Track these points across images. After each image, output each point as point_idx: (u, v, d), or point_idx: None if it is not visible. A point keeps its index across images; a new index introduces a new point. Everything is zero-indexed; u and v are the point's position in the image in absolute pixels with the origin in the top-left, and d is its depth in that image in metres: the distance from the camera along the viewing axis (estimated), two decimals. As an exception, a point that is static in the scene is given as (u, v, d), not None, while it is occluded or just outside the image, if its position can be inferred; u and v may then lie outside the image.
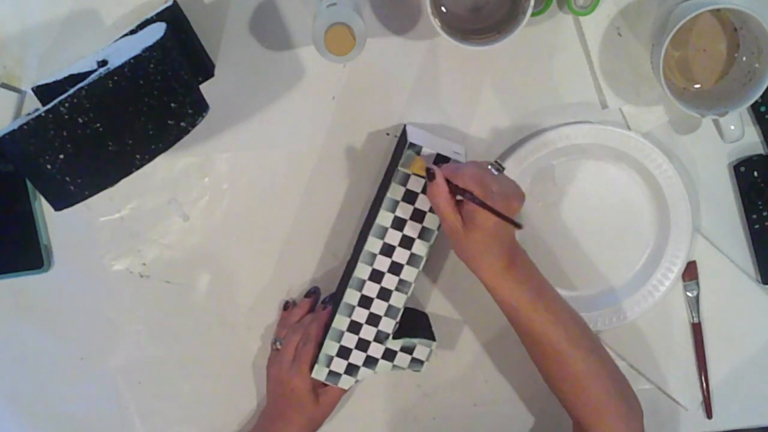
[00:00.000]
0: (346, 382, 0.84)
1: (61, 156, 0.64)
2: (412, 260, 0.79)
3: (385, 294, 0.80)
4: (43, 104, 0.75)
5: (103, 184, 0.66)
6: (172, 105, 0.67)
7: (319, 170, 0.85)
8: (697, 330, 0.90)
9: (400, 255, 0.79)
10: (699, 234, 0.88)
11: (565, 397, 0.79)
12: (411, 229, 0.78)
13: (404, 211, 0.78)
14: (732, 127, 0.80)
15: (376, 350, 0.82)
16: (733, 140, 0.81)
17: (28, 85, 0.80)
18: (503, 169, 0.73)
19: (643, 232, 0.88)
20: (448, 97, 0.84)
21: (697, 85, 0.82)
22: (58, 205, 0.67)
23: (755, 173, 0.86)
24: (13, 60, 0.80)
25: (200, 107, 0.70)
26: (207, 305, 0.88)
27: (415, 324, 0.85)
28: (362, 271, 0.79)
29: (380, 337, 0.82)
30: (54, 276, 0.86)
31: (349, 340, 0.82)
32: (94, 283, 0.87)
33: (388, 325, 0.81)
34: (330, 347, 0.82)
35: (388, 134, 0.84)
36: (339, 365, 0.83)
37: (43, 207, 0.84)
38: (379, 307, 0.81)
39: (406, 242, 0.79)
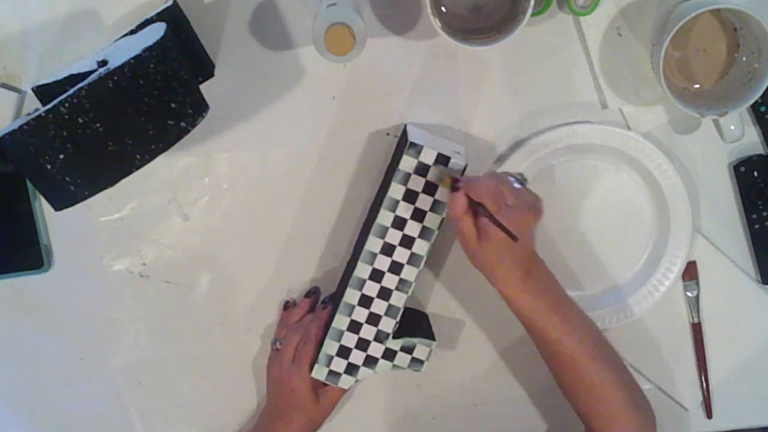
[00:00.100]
0: (346, 381, 0.84)
1: (61, 156, 0.64)
2: (413, 260, 0.79)
3: (385, 293, 0.80)
4: (43, 104, 0.75)
5: (103, 184, 0.66)
6: (172, 105, 0.67)
7: (319, 170, 0.85)
8: (697, 330, 0.90)
9: (401, 254, 0.79)
10: (699, 234, 0.88)
11: (579, 406, 0.79)
12: (411, 229, 0.78)
13: (405, 210, 0.78)
14: (732, 127, 0.80)
15: (376, 350, 0.82)
16: (733, 140, 0.81)
17: (28, 85, 0.80)
18: (525, 181, 0.73)
19: (643, 232, 0.88)
20: (448, 97, 0.84)
21: (697, 85, 0.82)
22: (58, 205, 0.67)
23: (755, 173, 0.86)
24: (13, 60, 0.80)
25: (200, 107, 0.70)
26: (207, 305, 0.88)
27: (415, 324, 0.86)
28: (362, 270, 0.79)
29: (380, 337, 0.82)
30: (54, 276, 0.86)
31: (349, 340, 0.82)
32: (94, 283, 0.87)
33: (388, 324, 0.81)
34: (330, 347, 0.82)
35: (388, 134, 0.84)
36: (339, 365, 0.83)
37: (43, 207, 0.84)
38: (379, 306, 0.81)
39: (407, 242, 0.79)
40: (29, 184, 0.83)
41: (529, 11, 0.72)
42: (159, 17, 0.76)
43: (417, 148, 0.76)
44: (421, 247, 0.79)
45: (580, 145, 0.84)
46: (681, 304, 0.90)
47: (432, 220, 0.78)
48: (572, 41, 0.83)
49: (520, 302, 0.75)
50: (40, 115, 0.63)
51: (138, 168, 0.67)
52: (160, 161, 0.70)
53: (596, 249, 0.88)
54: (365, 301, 0.80)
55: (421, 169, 0.76)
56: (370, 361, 0.83)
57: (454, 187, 0.72)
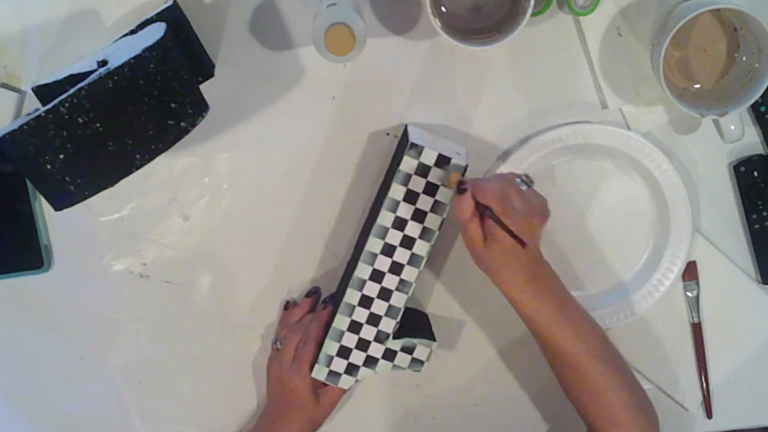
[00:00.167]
0: (346, 381, 0.83)
1: (61, 156, 0.64)
2: (413, 260, 0.79)
3: (385, 294, 0.80)
4: (43, 104, 0.75)
5: (103, 184, 0.66)
6: (172, 105, 0.67)
7: (319, 170, 0.85)
8: (697, 330, 0.90)
9: (401, 255, 0.79)
10: (699, 234, 0.88)
11: (583, 408, 0.79)
12: (412, 230, 0.78)
13: (405, 211, 0.78)
14: (732, 127, 0.80)
15: (376, 350, 0.82)
16: (733, 140, 0.81)
17: (28, 85, 0.80)
18: (532, 183, 0.73)
19: (643, 232, 0.88)
20: (448, 97, 0.84)
21: (697, 85, 0.82)
22: (58, 205, 0.67)
23: (755, 173, 0.86)
24: (13, 60, 0.80)
25: (200, 107, 0.70)
26: (207, 305, 0.88)
27: (415, 324, 0.85)
28: (363, 270, 0.79)
29: (380, 337, 0.82)
30: (54, 276, 0.86)
31: (350, 340, 0.82)
32: (94, 283, 0.87)
33: (388, 325, 0.81)
34: (330, 347, 0.82)
35: (388, 134, 0.84)
36: (339, 365, 0.83)
37: (43, 207, 0.84)
38: (379, 307, 0.81)
39: (407, 242, 0.79)
40: (29, 184, 0.83)
41: (529, 11, 0.72)
42: (159, 17, 0.76)
43: (418, 149, 0.76)
44: (421, 247, 0.79)
45: (580, 145, 0.84)
46: (681, 304, 0.90)
47: (432, 221, 0.78)
48: (572, 41, 0.83)
49: (525, 305, 0.75)
50: (40, 115, 0.63)
51: (138, 168, 0.67)
52: (160, 161, 0.70)
53: (596, 249, 0.88)
54: (365, 302, 0.80)
55: (422, 170, 0.76)
56: (370, 362, 0.83)
57: (460, 189, 0.72)
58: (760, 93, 0.76)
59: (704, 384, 0.91)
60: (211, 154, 0.84)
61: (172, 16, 0.76)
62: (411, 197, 0.77)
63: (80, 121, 0.63)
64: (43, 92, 0.76)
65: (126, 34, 0.77)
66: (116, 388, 0.90)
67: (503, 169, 0.84)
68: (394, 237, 0.78)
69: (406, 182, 0.77)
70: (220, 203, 0.86)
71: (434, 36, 0.82)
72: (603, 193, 0.87)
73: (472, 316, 0.90)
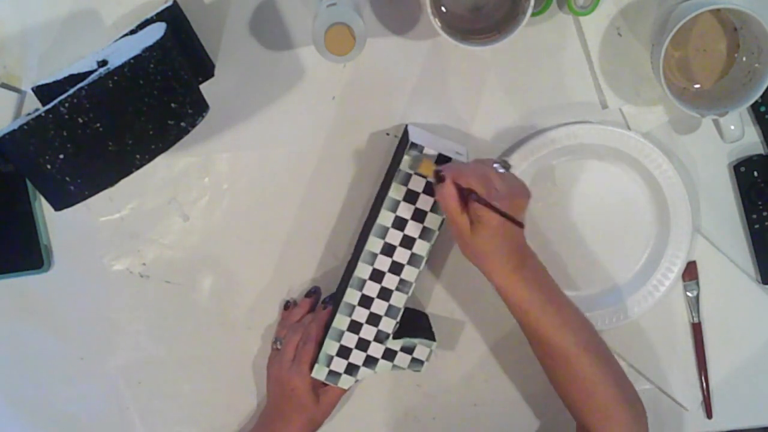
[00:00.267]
0: (346, 381, 0.84)
1: (61, 156, 0.64)
2: (413, 260, 0.79)
3: (385, 294, 0.80)
4: (43, 104, 0.75)
5: (103, 184, 0.66)
6: (172, 105, 0.67)
7: (319, 170, 0.85)
8: (697, 330, 0.90)
9: (401, 255, 0.79)
10: (699, 234, 0.88)
11: (571, 401, 0.79)
12: (412, 229, 0.78)
13: (405, 210, 0.78)
14: (732, 127, 0.80)
15: (376, 350, 0.82)
16: (733, 140, 0.81)
17: (28, 85, 0.80)
18: (509, 166, 0.73)
19: (643, 232, 0.88)
20: (448, 97, 0.84)
21: (697, 85, 0.82)
22: (58, 205, 0.67)
23: (755, 173, 0.86)
24: (13, 60, 0.80)
25: (200, 107, 0.70)
26: (207, 305, 0.88)
27: (415, 324, 0.86)
28: (363, 270, 0.79)
29: (380, 337, 0.82)
30: (54, 276, 0.86)
31: (350, 340, 0.82)
32: (94, 283, 0.87)
33: (388, 324, 0.81)
34: (330, 347, 0.82)
35: (388, 134, 0.84)
36: (339, 365, 0.83)
37: (43, 207, 0.84)
38: (379, 306, 0.81)
39: (407, 242, 0.79)
40: (29, 184, 0.83)
41: (529, 11, 0.72)
42: (159, 17, 0.76)
43: (418, 149, 0.76)
44: (421, 247, 0.79)
45: (580, 145, 0.84)
46: (681, 304, 0.90)
47: (432, 221, 0.78)
48: (572, 41, 0.83)
49: (516, 293, 0.74)
50: (40, 115, 0.63)
51: (138, 168, 0.67)
52: (160, 161, 0.70)
53: (596, 249, 0.88)
54: (365, 302, 0.80)
55: (422, 170, 0.77)
56: (370, 362, 0.83)
57: (438, 177, 0.72)
58: (760, 93, 0.76)
59: (704, 384, 0.91)
60: (211, 154, 0.84)
61: (172, 16, 0.76)
62: (411, 197, 0.77)
63: (80, 121, 0.63)
64: (43, 92, 0.76)
65: (126, 34, 0.77)
66: (116, 388, 0.90)
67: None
68: (394, 237, 0.78)
69: (406, 182, 0.77)
70: (220, 203, 0.86)
71: (434, 36, 0.82)
72: (603, 193, 0.87)
73: (472, 316, 0.90)
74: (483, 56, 0.83)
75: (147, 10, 0.78)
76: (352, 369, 0.83)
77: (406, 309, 0.82)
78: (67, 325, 0.88)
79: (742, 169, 0.86)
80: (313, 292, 0.88)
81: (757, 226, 0.88)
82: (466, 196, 0.70)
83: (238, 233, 0.86)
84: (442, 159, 0.76)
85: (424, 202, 0.77)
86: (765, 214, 0.87)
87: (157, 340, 0.89)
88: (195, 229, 0.86)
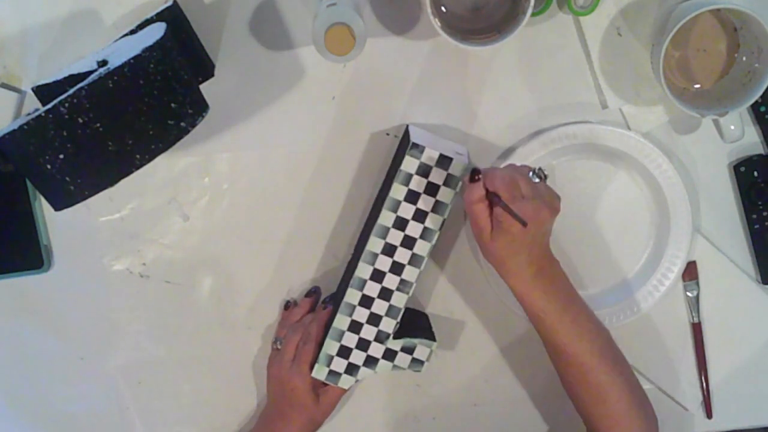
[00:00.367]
0: (346, 381, 0.83)
1: (61, 156, 0.64)
2: (414, 260, 0.79)
3: (386, 294, 0.80)
4: (43, 104, 0.75)
5: (103, 184, 0.66)
6: (172, 105, 0.67)
7: (319, 170, 0.85)
8: (697, 330, 0.90)
9: (402, 255, 0.79)
10: (699, 234, 0.88)
11: (584, 407, 0.79)
12: (413, 230, 0.78)
13: (406, 211, 0.78)
14: (732, 127, 0.80)
15: (376, 350, 0.82)
16: (733, 140, 0.81)
17: (28, 85, 0.80)
18: (545, 177, 0.73)
19: (643, 232, 0.88)
20: (448, 97, 0.84)
21: (697, 85, 0.82)
22: (58, 205, 0.67)
23: (755, 173, 0.86)
24: (13, 60, 0.80)
25: (200, 107, 0.70)
26: (207, 305, 0.88)
27: (415, 324, 0.86)
28: (363, 270, 0.79)
29: (381, 337, 0.82)
30: (54, 276, 0.86)
31: (350, 340, 0.82)
32: (94, 283, 0.87)
33: (388, 325, 0.81)
34: (330, 347, 0.82)
35: (388, 134, 0.84)
36: (339, 365, 0.83)
37: (43, 207, 0.84)
38: (380, 306, 0.81)
39: (408, 242, 0.79)
40: (29, 184, 0.83)
41: (529, 11, 0.72)
42: (159, 17, 0.76)
43: (419, 149, 0.76)
44: (422, 248, 0.79)
45: (580, 145, 0.84)
46: (681, 304, 0.90)
47: (433, 221, 0.78)
48: (572, 41, 0.83)
49: (533, 299, 0.74)
50: (40, 115, 0.63)
51: (138, 168, 0.67)
52: (160, 161, 0.70)
53: (596, 249, 0.88)
54: (366, 302, 0.80)
55: (423, 170, 0.76)
56: (370, 362, 0.83)
57: (473, 178, 0.72)
58: (760, 93, 0.76)
59: (704, 384, 0.91)
60: (211, 154, 0.84)
61: (172, 16, 0.76)
62: (412, 197, 0.77)
63: (80, 121, 0.63)
64: (43, 92, 0.76)
65: (126, 34, 0.77)
66: (116, 388, 0.90)
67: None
68: (395, 237, 0.78)
69: (407, 182, 0.77)
70: (220, 203, 0.86)
71: (434, 36, 0.82)
72: (603, 193, 0.87)
73: (472, 316, 0.90)
74: (483, 56, 0.83)
75: (147, 10, 0.78)
76: (352, 369, 0.83)
77: (407, 309, 0.82)
78: (67, 325, 0.88)
79: (742, 169, 0.86)
80: (313, 292, 0.88)
81: (757, 226, 0.88)
82: (491, 200, 0.70)
83: (238, 233, 0.86)
84: (443, 159, 0.76)
85: (425, 203, 0.77)
86: (765, 214, 0.87)
87: (157, 340, 0.89)
88: (195, 229, 0.86)
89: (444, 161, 0.76)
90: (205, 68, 0.80)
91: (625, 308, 0.88)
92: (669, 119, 0.85)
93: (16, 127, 0.63)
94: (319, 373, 0.83)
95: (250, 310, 0.89)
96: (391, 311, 0.81)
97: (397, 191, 0.77)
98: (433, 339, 0.84)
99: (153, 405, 0.91)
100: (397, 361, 0.83)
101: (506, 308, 0.86)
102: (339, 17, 0.68)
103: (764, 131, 0.86)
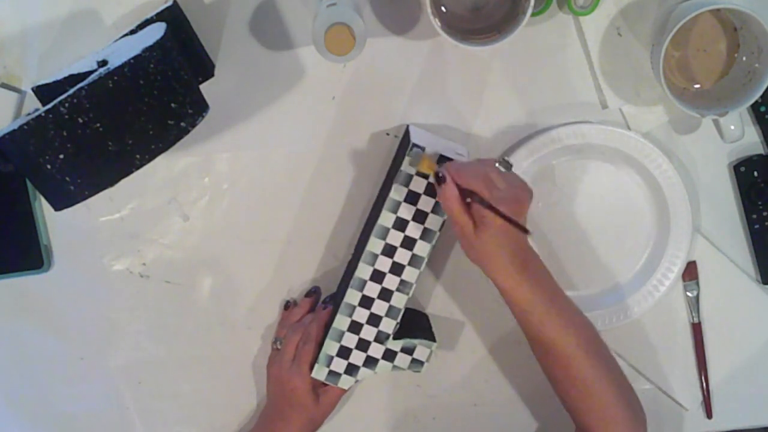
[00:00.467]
0: (346, 382, 0.83)
1: (61, 156, 0.64)
2: (414, 261, 0.79)
3: (386, 294, 0.80)
4: (43, 104, 0.75)
5: (103, 184, 0.66)
6: (172, 105, 0.67)
7: (319, 170, 0.85)
8: (697, 330, 0.90)
9: (402, 256, 0.79)
10: (699, 234, 0.88)
11: (571, 403, 0.79)
12: (413, 230, 0.78)
13: (406, 212, 0.78)
14: (732, 127, 0.80)
15: (376, 350, 0.82)
16: (733, 140, 0.81)
17: (28, 85, 0.80)
18: (511, 166, 0.73)
19: (643, 232, 0.88)
20: (448, 97, 0.84)
21: (697, 85, 0.82)
22: (58, 205, 0.67)
23: (755, 173, 0.86)
24: (13, 60, 0.80)
25: (200, 107, 0.70)
26: (207, 305, 0.88)
27: (415, 325, 0.85)
28: (363, 271, 0.79)
29: (381, 338, 0.82)
30: (54, 276, 0.86)
31: (350, 340, 0.82)
32: (94, 283, 0.87)
33: (388, 325, 0.81)
34: (330, 347, 0.82)
35: (388, 134, 0.84)
36: (339, 365, 0.83)
37: (43, 207, 0.84)
38: (379, 307, 0.81)
39: (408, 243, 0.79)
40: (29, 184, 0.83)
41: (529, 11, 0.72)
42: (159, 17, 0.76)
43: (420, 149, 0.76)
44: (422, 248, 0.79)
45: (580, 145, 0.84)
46: (681, 304, 0.90)
47: (433, 222, 0.78)
48: (572, 41, 0.83)
49: (518, 294, 0.73)
50: (40, 115, 0.63)
51: (138, 168, 0.67)
52: (160, 161, 0.70)
53: (596, 249, 0.88)
54: (366, 302, 0.80)
55: (424, 171, 0.76)
56: (370, 362, 0.83)
57: (438, 179, 0.72)
58: (760, 93, 0.76)
59: (704, 384, 0.91)
60: (211, 154, 0.84)
61: (172, 16, 0.76)
62: (412, 198, 0.77)
63: (80, 121, 0.63)
64: (43, 92, 0.76)
65: (126, 34, 0.77)
66: (116, 388, 0.90)
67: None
68: (395, 238, 0.78)
69: (407, 183, 0.77)
70: (220, 203, 0.86)
71: (434, 36, 0.82)
72: (603, 193, 0.87)
73: (472, 316, 0.90)
74: (483, 56, 0.83)
75: (147, 10, 0.78)
76: (352, 369, 0.83)
77: (407, 309, 0.82)
78: (67, 325, 0.88)
79: (742, 169, 0.86)
80: (313, 292, 0.88)
81: (757, 226, 0.88)
82: (468, 197, 0.70)
83: (238, 233, 0.86)
84: (443, 159, 0.76)
85: (425, 204, 0.77)
86: (765, 214, 0.87)
87: (157, 340, 0.89)
88: (195, 229, 0.86)
89: (444, 161, 0.76)
90: (205, 68, 0.80)
91: (625, 308, 0.88)
92: (669, 119, 0.85)
93: (16, 127, 0.63)
94: (319, 373, 0.83)
95: (250, 310, 0.89)
96: (391, 312, 0.81)
97: (397, 192, 0.77)
98: (433, 339, 0.84)
99: (153, 405, 0.91)
100: (396, 362, 0.83)
101: (506, 308, 0.86)
102: (339, 17, 0.68)
103: (764, 131, 0.86)
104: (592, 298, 0.88)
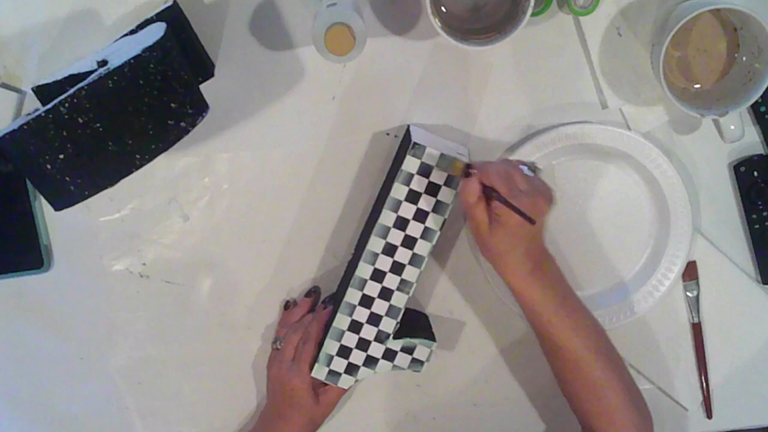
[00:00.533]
0: (346, 381, 0.83)
1: (61, 156, 0.64)
2: (414, 260, 0.79)
3: (386, 294, 0.80)
4: (43, 104, 0.75)
5: (103, 184, 0.66)
6: (172, 105, 0.67)
7: (319, 170, 0.85)
8: (697, 330, 0.90)
9: (402, 255, 0.79)
10: (699, 234, 0.88)
11: (579, 404, 0.79)
12: (413, 230, 0.78)
13: (407, 211, 0.78)
14: (732, 127, 0.80)
15: (376, 350, 0.82)
16: (733, 140, 0.81)
17: (28, 85, 0.80)
18: (537, 170, 0.73)
19: (643, 232, 0.88)
20: (448, 97, 0.84)
21: (697, 85, 0.82)
22: (58, 205, 0.67)
23: (755, 173, 0.86)
24: (13, 60, 0.80)
25: (200, 107, 0.70)
26: (207, 305, 0.88)
27: (415, 324, 0.86)
28: (364, 270, 0.79)
29: (381, 337, 0.82)
30: (54, 276, 0.86)
31: (350, 340, 0.82)
32: (94, 283, 0.87)
33: (388, 325, 0.81)
34: (330, 346, 0.82)
35: (388, 134, 0.84)
36: (339, 365, 0.83)
37: (43, 207, 0.84)
38: (380, 306, 0.81)
39: (409, 242, 0.79)
40: (29, 184, 0.83)
41: (529, 11, 0.72)
42: (159, 17, 0.76)
43: (420, 149, 0.76)
44: (422, 247, 0.79)
45: (580, 145, 0.84)
46: (681, 304, 0.90)
47: (434, 221, 0.78)
48: (572, 41, 0.83)
49: (529, 295, 0.74)
50: (40, 115, 0.63)
51: (138, 168, 0.67)
52: (160, 161, 0.70)
53: (596, 249, 0.88)
54: (366, 302, 0.80)
55: (424, 170, 0.76)
56: (370, 362, 0.83)
57: (467, 173, 0.72)
58: (760, 93, 0.76)
59: (704, 384, 0.91)
60: (211, 154, 0.84)
61: (172, 16, 0.76)
62: (413, 197, 0.77)
63: (80, 121, 0.63)
64: (43, 92, 0.76)
65: (126, 34, 0.77)
66: (116, 388, 0.90)
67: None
68: (396, 237, 0.78)
69: (408, 182, 0.77)
70: (220, 203, 0.86)
71: (434, 36, 0.82)
72: (603, 193, 0.87)
73: (472, 316, 0.90)
74: (483, 56, 0.83)
75: (147, 10, 0.78)
76: (352, 369, 0.83)
77: (407, 309, 0.82)
78: (67, 325, 0.88)
79: (742, 169, 0.86)
80: (313, 292, 0.88)
81: (757, 226, 0.88)
82: (488, 194, 0.70)
83: (238, 233, 0.86)
84: (444, 159, 0.76)
85: (426, 203, 0.78)
86: (765, 214, 0.87)
87: (157, 340, 0.89)
88: (195, 229, 0.86)
89: (445, 161, 0.76)
90: (205, 68, 0.80)
91: (625, 308, 0.88)
92: (669, 119, 0.85)
93: (16, 127, 0.63)
94: (319, 373, 0.83)
95: (250, 310, 0.89)
96: (391, 311, 0.81)
97: (398, 191, 0.77)
98: (433, 339, 0.84)
99: (153, 405, 0.91)
100: (397, 362, 0.83)
101: (506, 308, 0.86)
102: (339, 17, 0.68)
103: (764, 131, 0.86)
104: (592, 298, 0.88)
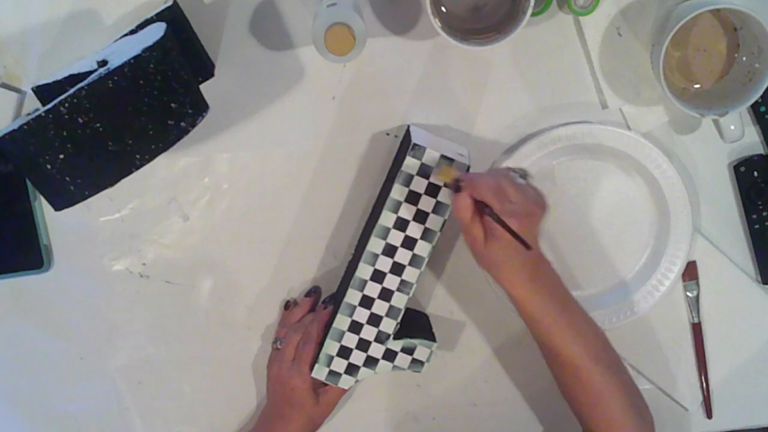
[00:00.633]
0: (346, 382, 0.83)
1: (61, 156, 0.64)
2: (414, 261, 0.79)
3: (386, 294, 0.80)
4: (43, 104, 0.75)
5: (103, 184, 0.66)
6: (172, 105, 0.67)
7: (319, 170, 0.85)
8: (697, 330, 0.90)
9: (402, 256, 0.79)
10: (699, 234, 0.88)
11: (580, 410, 0.79)
12: (413, 230, 0.78)
13: (407, 211, 0.78)
14: (732, 127, 0.80)
15: (376, 350, 0.82)
16: (733, 140, 0.81)
17: (28, 85, 0.80)
18: (528, 176, 0.73)
19: (643, 232, 0.88)
20: (448, 97, 0.84)
21: (697, 85, 0.82)
22: (58, 205, 0.67)
23: (755, 173, 0.86)
24: (13, 60, 0.80)
25: (200, 107, 0.70)
26: (207, 305, 0.88)
27: (415, 325, 0.85)
28: (364, 271, 0.79)
29: (381, 338, 0.82)
30: (54, 276, 0.86)
31: (350, 340, 0.82)
32: (94, 283, 0.87)
33: (389, 325, 0.81)
34: (330, 347, 0.82)
35: (388, 134, 0.84)
36: (339, 365, 0.83)
37: (43, 207, 0.84)
38: (380, 307, 0.81)
39: (409, 243, 0.79)
40: (29, 184, 0.83)
41: (529, 11, 0.72)
42: (159, 17, 0.76)
43: (420, 150, 0.76)
44: (422, 248, 0.79)
45: (580, 145, 0.84)
46: (681, 304, 0.90)
47: (434, 222, 0.78)
48: (572, 41, 0.83)
49: (529, 303, 0.74)
50: (40, 115, 0.63)
51: (138, 168, 0.67)
52: (160, 161, 0.70)
53: (596, 249, 0.88)
54: (366, 302, 0.80)
55: (424, 171, 0.76)
56: (370, 362, 0.83)
57: (456, 187, 0.72)
58: (760, 93, 0.76)
59: (704, 384, 0.91)
60: (211, 154, 0.84)
61: (172, 16, 0.76)
62: (413, 198, 0.77)
63: (80, 121, 0.63)
64: (43, 92, 0.76)
65: (126, 34, 0.77)
66: (116, 388, 0.90)
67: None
68: (396, 238, 0.78)
69: (408, 183, 0.77)
70: (220, 203, 0.86)
71: (434, 36, 0.82)
72: (603, 193, 0.87)
73: (472, 316, 0.90)
74: (483, 56, 0.83)
75: (147, 10, 0.78)
76: (352, 369, 0.83)
77: (407, 310, 0.81)
78: (67, 325, 0.88)
79: (742, 169, 0.86)
80: (313, 292, 0.88)
81: (757, 226, 0.88)
82: (480, 209, 0.70)
83: (238, 233, 0.86)
84: (444, 160, 0.76)
85: (426, 203, 0.77)
86: (765, 214, 0.87)
87: (157, 340, 0.89)
88: (195, 229, 0.86)
89: (445, 162, 0.76)
90: (205, 68, 0.80)
91: (625, 308, 0.88)
92: (669, 119, 0.85)
93: (16, 127, 0.63)
94: (319, 373, 0.83)
95: (250, 310, 0.89)
96: (391, 312, 0.81)
97: (398, 192, 0.77)
98: (433, 339, 0.83)
99: (153, 405, 0.91)
100: (397, 362, 0.83)
101: (506, 308, 0.86)
102: (339, 17, 0.68)
103: (764, 131, 0.86)
104: (592, 298, 0.88)
